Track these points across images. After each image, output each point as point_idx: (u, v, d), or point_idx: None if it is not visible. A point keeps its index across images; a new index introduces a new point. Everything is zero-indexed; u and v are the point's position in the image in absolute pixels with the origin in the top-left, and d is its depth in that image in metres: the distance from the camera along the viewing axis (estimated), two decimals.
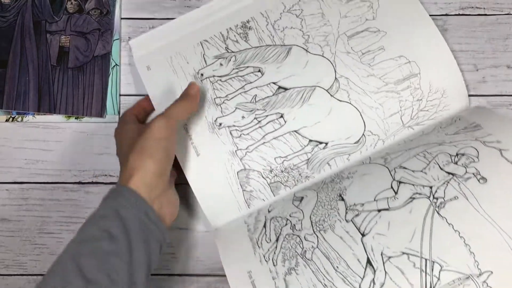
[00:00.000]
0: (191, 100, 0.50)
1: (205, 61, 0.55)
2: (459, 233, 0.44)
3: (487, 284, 0.42)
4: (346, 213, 0.48)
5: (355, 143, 0.53)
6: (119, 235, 0.41)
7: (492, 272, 0.43)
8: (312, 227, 0.48)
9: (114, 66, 0.59)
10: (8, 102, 0.57)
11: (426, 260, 0.43)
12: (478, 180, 0.47)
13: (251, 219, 0.52)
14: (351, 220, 0.47)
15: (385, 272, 0.44)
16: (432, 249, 0.44)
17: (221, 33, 0.56)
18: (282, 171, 0.53)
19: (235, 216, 0.53)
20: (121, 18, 0.60)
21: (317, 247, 0.47)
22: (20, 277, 0.56)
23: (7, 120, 0.58)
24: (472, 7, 0.58)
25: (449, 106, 0.54)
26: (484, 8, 0.56)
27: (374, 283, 0.44)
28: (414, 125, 0.54)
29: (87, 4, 0.59)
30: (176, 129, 0.48)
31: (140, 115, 0.55)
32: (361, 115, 0.53)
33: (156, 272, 0.56)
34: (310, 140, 0.53)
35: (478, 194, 0.46)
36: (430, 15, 0.55)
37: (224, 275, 0.48)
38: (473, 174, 0.47)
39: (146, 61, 0.56)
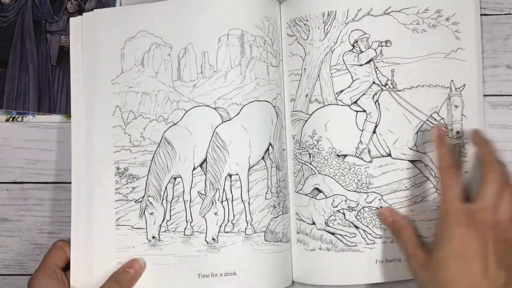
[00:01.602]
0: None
1: None
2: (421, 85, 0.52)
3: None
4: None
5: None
6: None
7: None
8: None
9: None
10: (8, 102, 0.57)
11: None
12: (386, 45, 0.52)
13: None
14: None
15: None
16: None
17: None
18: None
19: None
20: None
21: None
22: (20, 277, 0.56)
23: (7, 120, 0.58)
24: None
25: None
26: (484, 8, 0.56)
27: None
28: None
29: (87, 4, 0.59)
30: None
31: (60, 261, 0.51)
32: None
33: None
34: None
35: (396, 53, 0.52)
36: None
37: None
38: (380, 45, 0.52)
39: None
